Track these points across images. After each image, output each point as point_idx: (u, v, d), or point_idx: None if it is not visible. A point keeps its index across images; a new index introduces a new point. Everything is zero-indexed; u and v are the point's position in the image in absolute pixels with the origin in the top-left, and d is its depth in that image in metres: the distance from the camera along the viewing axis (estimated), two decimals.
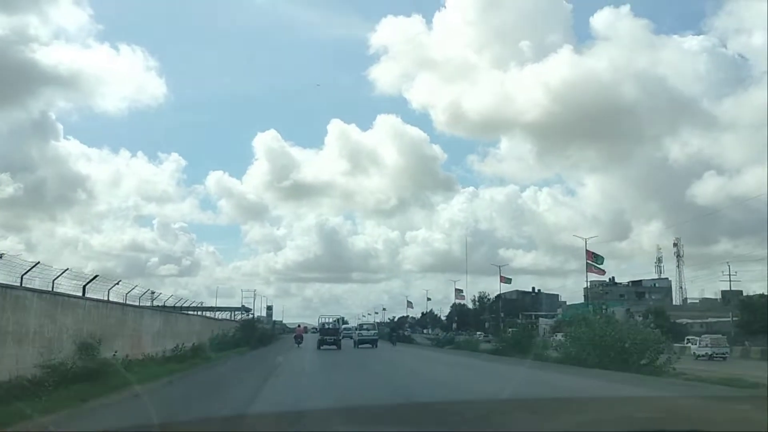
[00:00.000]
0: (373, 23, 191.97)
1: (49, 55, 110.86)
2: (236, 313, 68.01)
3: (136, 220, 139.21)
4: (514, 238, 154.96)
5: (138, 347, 21.82)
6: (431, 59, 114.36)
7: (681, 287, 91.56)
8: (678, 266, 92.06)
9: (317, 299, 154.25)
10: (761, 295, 55.65)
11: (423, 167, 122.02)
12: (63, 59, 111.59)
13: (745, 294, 65.48)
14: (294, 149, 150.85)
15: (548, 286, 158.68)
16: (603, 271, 51.14)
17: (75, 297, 17.22)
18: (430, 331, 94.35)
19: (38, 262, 15.24)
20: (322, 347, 38.34)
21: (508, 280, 72.63)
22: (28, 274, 14.98)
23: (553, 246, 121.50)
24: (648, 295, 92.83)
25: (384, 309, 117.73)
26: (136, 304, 23.75)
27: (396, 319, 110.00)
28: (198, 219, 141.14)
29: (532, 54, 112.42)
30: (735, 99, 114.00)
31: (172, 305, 31.38)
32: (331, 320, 44.95)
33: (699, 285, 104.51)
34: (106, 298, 19.89)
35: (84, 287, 17.79)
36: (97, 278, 18.63)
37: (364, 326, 50.40)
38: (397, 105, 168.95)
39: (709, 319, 65.21)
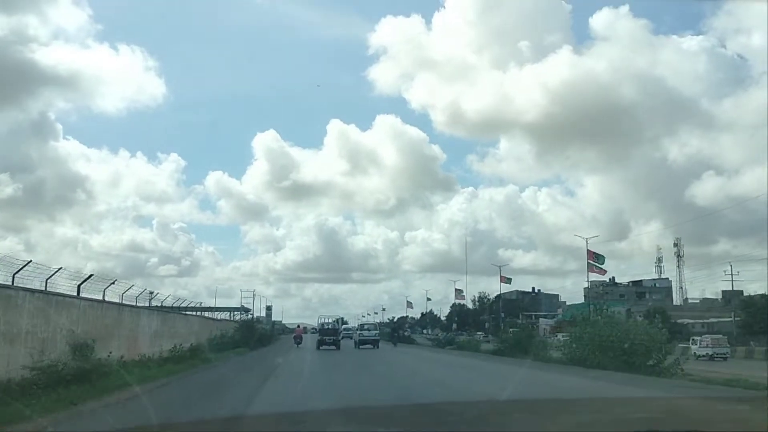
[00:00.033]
0: (372, 23, 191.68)
1: (49, 56, 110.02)
2: (235, 313, 67.80)
3: (135, 220, 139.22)
4: (513, 239, 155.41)
5: (134, 348, 21.48)
6: (431, 59, 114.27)
7: (681, 287, 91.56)
8: (678, 266, 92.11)
9: (317, 299, 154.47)
10: (762, 295, 55.39)
11: (422, 167, 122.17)
12: (62, 59, 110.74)
13: (745, 294, 65.36)
14: (293, 149, 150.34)
15: (548, 286, 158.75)
16: (604, 270, 50.94)
17: (69, 296, 16.85)
18: (429, 332, 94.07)
19: (30, 261, 14.88)
20: (321, 347, 38.35)
21: (509, 280, 72.37)
22: (24, 273, 14.62)
23: (553, 246, 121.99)
24: (648, 295, 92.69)
25: (383, 309, 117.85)
26: (133, 304, 23.40)
27: (395, 320, 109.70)
28: (197, 219, 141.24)
29: (531, 54, 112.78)
30: (734, 99, 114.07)
31: (170, 305, 31.03)
32: (330, 321, 44.91)
33: (698, 285, 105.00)
34: (101, 298, 19.53)
35: (79, 287, 17.44)
36: (92, 277, 18.29)
37: (366, 326, 49.49)
38: (397, 105, 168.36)
39: (711, 320, 65.01)
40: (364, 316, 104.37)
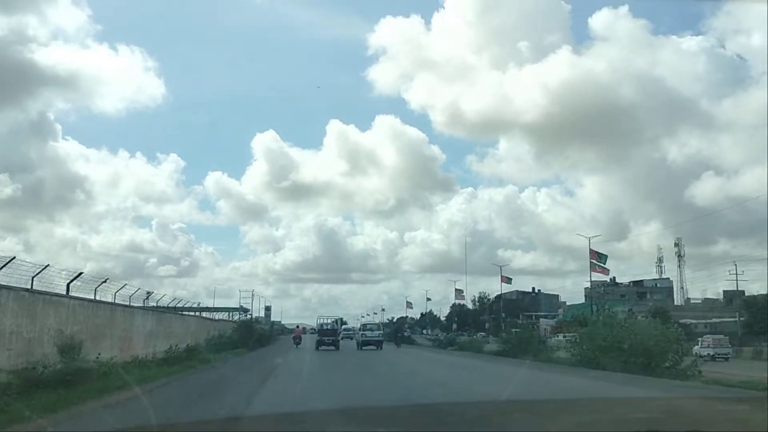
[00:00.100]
0: (372, 24, 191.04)
1: (48, 56, 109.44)
2: (234, 313, 67.43)
3: (134, 220, 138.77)
4: (513, 239, 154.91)
5: (128, 349, 20.92)
6: (430, 60, 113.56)
7: (682, 287, 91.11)
8: (679, 266, 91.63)
9: (316, 300, 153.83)
10: (764, 296, 54.93)
11: (422, 168, 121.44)
12: (61, 59, 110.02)
13: (747, 294, 64.96)
14: (293, 150, 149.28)
15: (548, 286, 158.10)
16: (607, 270, 50.70)
17: (58, 295, 16.25)
18: (429, 332, 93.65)
19: (14, 258, 14.24)
20: (320, 348, 38.01)
21: (509, 280, 72.00)
22: (11, 271, 14.03)
23: (553, 246, 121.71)
24: (649, 296, 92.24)
25: (383, 309, 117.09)
26: (127, 303, 22.83)
27: (395, 320, 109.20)
28: (197, 219, 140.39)
29: (530, 55, 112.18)
30: (734, 100, 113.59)
31: (166, 305, 30.50)
32: (329, 321, 44.47)
33: (699, 285, 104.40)
34: (93, 297, 18.95)
35: (68, 285, 16.84)
36: (82, 276, 17.72)
37: (369, 326, 46.66)
38: (396, 105, 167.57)
39: (714, 320, 64.58)
40: (363, 317, 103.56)
